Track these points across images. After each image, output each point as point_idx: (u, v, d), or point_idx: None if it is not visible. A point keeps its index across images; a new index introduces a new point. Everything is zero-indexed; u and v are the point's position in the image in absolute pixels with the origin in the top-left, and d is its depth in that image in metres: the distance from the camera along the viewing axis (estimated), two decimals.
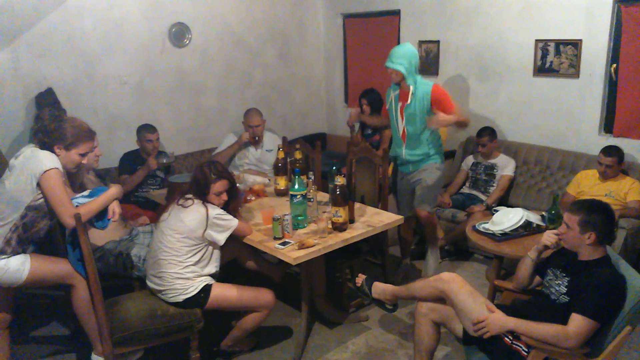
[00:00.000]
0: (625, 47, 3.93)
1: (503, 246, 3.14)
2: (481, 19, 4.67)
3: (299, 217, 3.00)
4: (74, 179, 3.10)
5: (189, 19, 4.81)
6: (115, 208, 2.65)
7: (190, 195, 2.77)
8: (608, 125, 4.16)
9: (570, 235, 2.33)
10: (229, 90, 5.27)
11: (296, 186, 2.97)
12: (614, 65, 4.03)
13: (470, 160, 4.57)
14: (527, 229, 3.26)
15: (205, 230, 2.70)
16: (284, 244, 2.80)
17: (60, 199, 2.47)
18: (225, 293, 2.78)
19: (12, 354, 2.77)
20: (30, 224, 2.54)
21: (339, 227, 2.95)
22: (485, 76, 4.75)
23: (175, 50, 4.79)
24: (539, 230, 3.26)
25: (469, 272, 4.04)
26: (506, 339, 2.29)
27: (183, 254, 2.70)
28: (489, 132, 4.35)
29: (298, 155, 3.68)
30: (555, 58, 4.26)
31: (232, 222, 2.80)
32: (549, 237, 2.49)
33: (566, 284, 2.30)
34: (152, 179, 4.12)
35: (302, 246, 2.74)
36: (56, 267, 2.67)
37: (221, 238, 2.76)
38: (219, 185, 2.78)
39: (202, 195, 2.77)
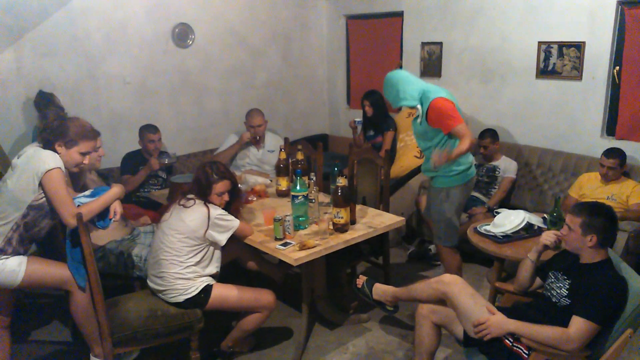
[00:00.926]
0: (629, 49, 3.92)
1: (504, 248, 3.13)
2: (484, 21, 4.66)
3: (300, 218, 3.00)
4: (76, 179, 3.11)
5: (193, 20, 4.82)
6: (116, 208, 2.65)
7: (191, 196, 2.78)
8: (610, 127, 4.16)
9: (571, 237, 2.32)
10: (231, 91, 5.28)
11: (298, 187, 2.97)
12: (617, 67, 4.02)
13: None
14: (529, 231, 3.25)
15: (206, 230, 2.70)
16: (285, 244, 2.80)
17: (62, 198, 2.47)
18: (226, 293, 2.78)
19: (12, 353, 2.77)
20: (31, 224, 2.54)
21: (340, 228, 2.95)
22: (488, 78, 4.75)
23: (179, 50, 4.80)
24: (540, 232, 3.24)
25: (470, 274, 4.03)
26: (507, 341, 2.28)
27: (184, 254, 2.70)
28: (491, 134, 4.35)
29: (300, 156, 3.69)
30: (558, 60, 4.25)
31: (234, 223, 2.80)
32: (547, 236, 2.49)
33: (567, 286, 2.29)
34: (153, 179, 4.13)
35: (303, 247, 2.74)
36: (53, 272, 2.64)
37: (222, 238, 2.76)
38: (220, 186, 2.78)
39: (204, 195, 2.77)
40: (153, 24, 4.60)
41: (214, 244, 2.79)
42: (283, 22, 5.57)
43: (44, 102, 3.93)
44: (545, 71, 4.35)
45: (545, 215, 3.36)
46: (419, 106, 3.23)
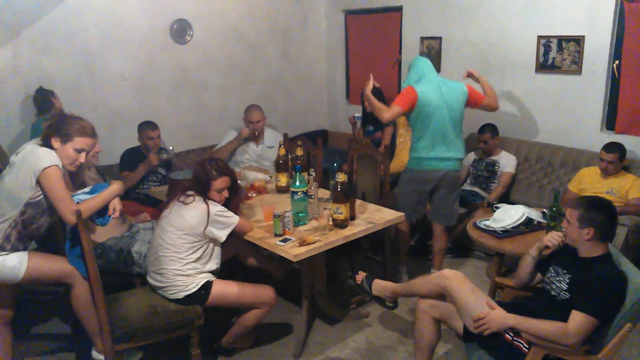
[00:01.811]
0: (628, 43, 3.91)
1: (504, 243, 3.13)
2: (483, 15, 4.65)
3: (300, 214, 3.00)
4: (74, 177, 3.10)
5: (191, 16, 4.81)
6: (116, 205, 2.65)
7: (191, 192, 2.77)
8: (610, 122, 4.15)
9: (570, 230, 2.34)
10: (230, 87, 5.27)
11: (297, 183, 2.97)
12: (617, 61, 4.02)
13: (471, 157, 4.56)
14: (529, 226, 3.26)
15: (206, 227, 2.70)
16: (284, 240, 2.80)
17: (61, 195, 2.46)
18: (226, 290, 2.78)
19: (13, 349, 2.78)
20: (29, 221, 2.54)
21: (339, 224, 2.95)
22: (488, 72, 4.72)
23: (177, 46, 4.79)
24: (540, 227, 3.25)
25: (470, 269, 4.03)
26: (507, 335, 2.28)
27: (184, 250, 2.70)
28: (490, 129, 4.34)
29: (299, 152, 3.68)
30: (558, 54, 4.24)
31: (233, 219, 2.80)
32: (552, 238, 2.48)
33: (567, 280, 2.29)
34: (153, 175, 4.12)
35: (302, 243, 2.74)
36: (55, 266, 2.66)
37: (222, 235, 2.76)
38: (220, 182, 2.78)
39: (203, 192, 2.77)
40: (151, 20, 4.59)
41: (213, 240, 2.79)
42: (282, 18, 5.55)
43: (44, 98, 3.92)
44: (544, 65, 4.34)
45: (544, 210, 3.36)
46: None
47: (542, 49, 4.32)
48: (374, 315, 3.45)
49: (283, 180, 3.62)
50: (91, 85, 4.36)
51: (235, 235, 2.88)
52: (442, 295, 2.52)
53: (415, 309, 2.63)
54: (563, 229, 2.42)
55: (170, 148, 4.14)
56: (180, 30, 4.78)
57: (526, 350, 2.22)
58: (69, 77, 4.23)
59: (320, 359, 3.05)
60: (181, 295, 2.70)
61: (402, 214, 3.26)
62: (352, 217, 3.07)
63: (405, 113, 3.54)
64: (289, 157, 3.71)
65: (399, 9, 5.27)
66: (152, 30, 4.61)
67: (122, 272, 3.16)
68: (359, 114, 4.80)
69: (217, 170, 2.77)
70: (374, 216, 3.15)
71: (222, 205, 2.81)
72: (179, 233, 2.69)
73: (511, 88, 4.61)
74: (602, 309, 2.14)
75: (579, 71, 4.15)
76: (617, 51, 4.01)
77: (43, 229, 2.65)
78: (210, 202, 2.74)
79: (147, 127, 4.10)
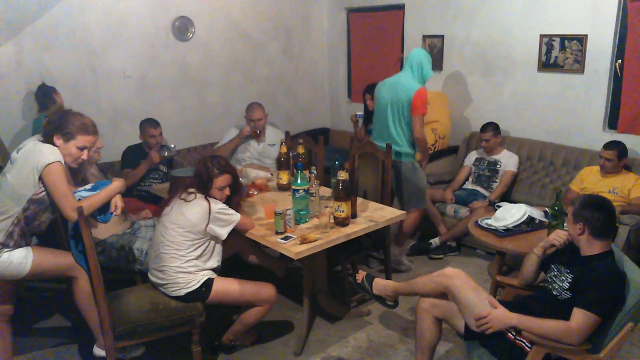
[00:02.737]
0: (631, 42, 3.90)
1: (505, 242, 3.13)
2: (486, 14, 4.64)
3: (301, 212, 3.00)
4: (76, 173, 3.10)
5: (193, 13, 4.80)
6: (117, 202, 2.65)
7: (192, 190, 2.77)
8: (612, 121, 4.14)
9: (568, 226, 2.37)
10: (232, 85, 5.27)
11: (298, 181, 2.97)
12: (619, 61, 4.01)
13: (473, 155, 4.55)
14: (530, 225, 3.25)
15: (207, 224, 2.70)
16: (286, 238, 2.79)
17: (63, 192, 2.46)
18: (227, 287, 2.78)
19: (14, 346, 2.78)
20: (32, 217, 2.54)
21: (341, 222, 2.94)
22: (490, 71, 4.73)
23: (179, 44, 4.79)
24: (541, 226, 3.25)
25: (471, 268, 4.03)
26: (509, 334, 2.28)
27: (185, 248, 2.70)
28: (492, 128, 4.33)
29: (301, 149, 3.68)
30: (560, 53, 4.23)
31: (235, 217, 2.80)
32: (558, 236, 2.48)
33: (569, 280, 2.29)
34: (154, 172, 4.12)
35: (304, 241, 2.74)
36: (59, 260, 2.67)
37: (223, 232, 2.76)
38: (221, 180, 2.78)
39: (205, 189, 2.77)
40: (153, 18, 4.58)
41: (215, 237, 2.78)
42: (284, 15, 5.54)
43: (45, 95, 3.92)
44: (547, 64, 4.33)
45: (546, 209, 3.35)
46: None
47: (544, 48, 4.31)
48: (374, 313, 3.45)
49: (284, 178, 3.61)
50: (93, 82, 4.36)
51: (237, 233, 2.88)
52: (443, 294, 2.52)
53: (416, 308, 2.63)
54: (567, 227, 2.43)
55: (172, 146, 4.14)
56: (182, 28, 4.77)
57: (528, 349, 2.21)
58: (71, 74, 4.23)
59: (321, 357, 3.04)
60: (182, 292, 2.70)
61: (404, 212, 3.26)
62: (354, 215, 3.06)
63: None
64: (291, 155, 3.70)
65: (401, 7, 5.26)
66: (154, 27, 4.61)
67: (124, 269, 3.16)
68: (360, 112, 4.79)
69: (218, 168, 2.77)
70: (376, 214, 3.15)
71: (224, 202, 2.81)
72: (180, 230, 2.69)
73: (513, 87, 4.60)
74: (604, 306, 2.14)
75: (581, 70, 4.14)
76: (619, 50, 4.00)
77: (45, 225, 2.65)
78: (211, 200, 2.74)
79: (149, 124, 4.10)
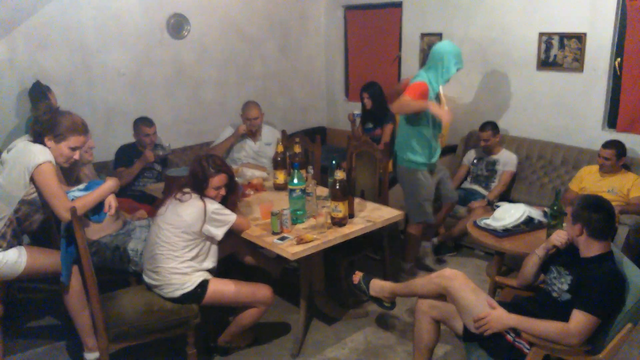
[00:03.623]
0: (630, 41, 3.87)
1: (504, 242, 3.10)
2: (484, 12, 4.61)
3: (298, 212, 2.96)
4: (69, 173, 3.06)
5: (188, 10, 4.75)
6: (111, 202, 2.61)
7: (187, 190, 2.73)
8: (612, 120, 4.12)
9: (567, 227, 2.35)
10: (228, 83, 5.22)
11: (295, 180, 2.93)
12: (619, 59, 3.98)
13: (472, 154, 4.52)
14: (529, 225, 3.22)
15: (203, 224, 2.66)
16: (282, 239, 2.76)
17: (55, 192, 2.43)
18: (223, 288, 2.75)
19: (4, 347, 2.74)
20: (23, 218, 2.51)
21: (338, 222, 2.91)
22: (488, 70, 4.70)
23: (174, 41, 4.74)
24: (540, 226, 3.22)
25: (470, 269, 4.00)
26: (508, 336, 2.25)
27: (180, 248, 2.66)
28: (491, 127, 4.30)
29: (297, 149, 3.64)
30: (559, 52, 4.20)
31: (230, 217, 2.76)
32: (559, 237, 2.45)
33: (569, 282, 2.26)
34: (148, 172, 4.08)
35: (300, 241, 2.70)
36: (52, 259, 2.64)
37: (219, 233, 2.72)
38: (217, 180, 2.74)
39: (200, 189, 2.73)
40: (147, 15, 4.54)
41: (210, 238, 2.75)
42: (280, 13, 5.50)
43: (39, 93, 3.87)
44: (546, 63, 4.30)
45: (545, 209, 3.33)
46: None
47: (543, 46, 4.28)
48: (372, 315, 3.42)
49: (281, 177, 3.58)
50: (87, 81, 4.31)
51: (233, 234, 2.85)
52: (441, 295, 2.49)
53: (415, 309, 2.60)
54: (566, 228, 2.40)
55: (167, 144, 4.09)
56: (177, 25, 4.73)
57: (527, 351, 2.19)
58: (65, 72, 4.18)
59: (318, 359, 3.01)
60: (177, 293, 2.66)
61: (402, 212, 3.23)
62: (351, 216, 3.03)
63: None
64: (287, 154, 3.66)
65: (399, 5, 5.23)
66: (148, 25, 4.56)
67: (118, 270, 3.13)
68: (358, 112, 4.76)
69: (214, 167, 2.73)
70: (373, 214, 3.11)
71: (219, 203, 2.77)
72: (175, 231, 2.65)
73: (512, 85, 4.57)
74: (603, 308, 2.12)
75: (580, 69, 4.11)
76: (619, 49, 3.97)
77: (36, 225, 2.62)
78: (207, 200, 2.70)
79: (143, 123, 4.05)
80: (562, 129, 4.33)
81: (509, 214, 3.24)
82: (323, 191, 3.47)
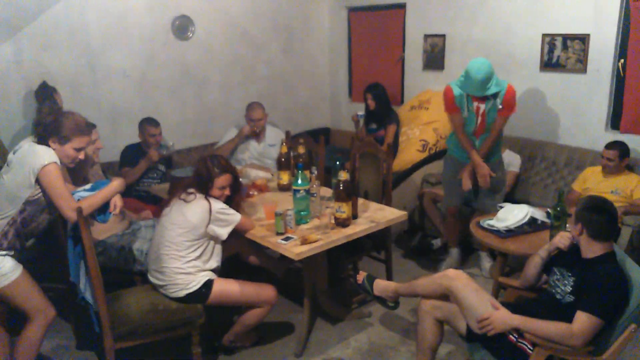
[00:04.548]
0: (634, 42, 3.87)
1: (507, 243, 3.10)
2: (487, 13, 4.62)
3: (302, 212, 2.98)
4: (77, 173, 3.08)
5: (193, 12, 4.78)
6: (117, 201, 2.63)
7: (192, 190, 2.75)
8: (615, 121, 4.12)
9: (570, 226, 2.39)
10: (232, 84, 5.25)
11: (299, 181, 2.94)
12: (622, 60, 3.98)
13: None
14: (532, 225, 3.23)
15: (207, 224, 2.68)
16: (286, 239, 2.77)
17: (61, 193, 2.44)
18: (228, 288, 2.77)
19: (11, 346, 2.72)
20: (29, 219, 2.52)
21: (342, 223, 2.92)
22: None
23: (179, 43, 4.77)
24: (544, 227, 3.22)
25: (473, 269, 4.01)
26: (511, 337, 2.26)
27: (184, 248, 2.68)
28: None
29: (301, 149, 3.66)
30: (562, 53, 4.21)
31: (235, 217, 2.78)
32: (562, 239, 2.46)
33: (572, 283, 2.27)
34: (152, 172, 4.10)
35: (304, 242, 2.72)
36: (33, 294, 2.55)
37: (224, 233, 2.74)
38: (222, 180, 2.76)
39: (205, 189, 2.75)
40: (153, 16, 4.56)
41: (215, 238, 2.77)
42: (284, 14, 5.52)
43: (45, 94, 3.90)
44: (549, 64, 4.31)
45: (548, 209, 3.33)
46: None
47: (546, 47, 4.29)
48: (375, 315, 3.43)
49: (285, 178, 3.59)
50: (92, 82, 4.34)
51: (237, 234, 2.86)
52: (445, 296, 2.50)
53: (418, 309, 2.61)
54: (569, 228, 2.41)
55: (171, 143, 4.11)
56: (182, 27, 4.75)
57: (530, 351, 2.20)
58: (71, 73, 4.21)
59: (322, 359, 3.03)
60: (182, 293, 2.68)
61: (405, 212, 3.24)
62: (355, 216, 3.04)
63: None
64: (291, 154, 3.68)
65: (402, 6, 5.24)
66: (153, 26, 4.59)
67: (123, 270, 3.14)
68: (361, 112, 4.77)
69: (219, 167, 2.75)
70: (377, 215, 3.13)
71: (224, 202, 2.79)
72: (180, 231, 2.67)
73: (515, 86, 4.54)
74: (606, 309, 2.12)
75: (583, 70, 4.12)
76: (622, 50, 3.97)
77: (42, 226, 2.62)
78: (211, 200, 2.72)
79: (148, 123, 4.07)
80: (566, 129, 4.33)
81: (512, 215, 3.24)
82: (327, 192, 3.48)
